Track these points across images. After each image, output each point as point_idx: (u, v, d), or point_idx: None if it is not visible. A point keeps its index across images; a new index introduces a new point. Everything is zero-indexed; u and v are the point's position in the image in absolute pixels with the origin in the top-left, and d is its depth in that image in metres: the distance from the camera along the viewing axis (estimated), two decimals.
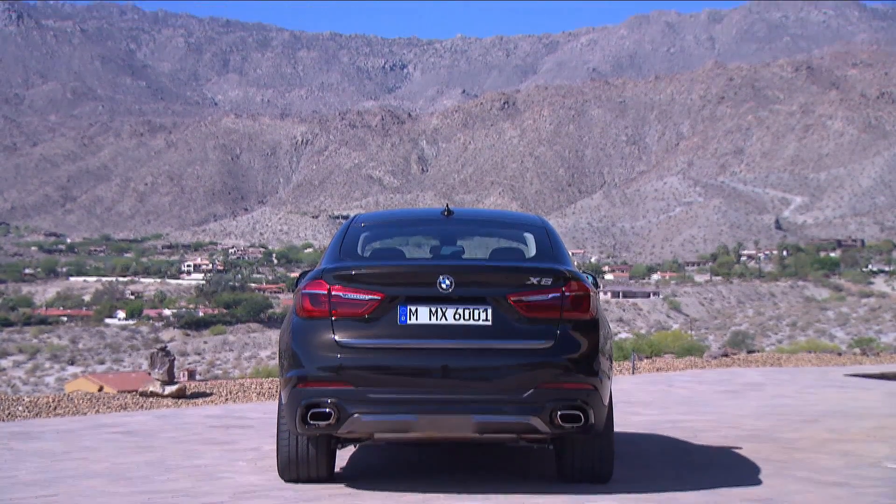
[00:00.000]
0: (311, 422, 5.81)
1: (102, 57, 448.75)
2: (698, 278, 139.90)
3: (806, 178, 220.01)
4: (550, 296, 5.92)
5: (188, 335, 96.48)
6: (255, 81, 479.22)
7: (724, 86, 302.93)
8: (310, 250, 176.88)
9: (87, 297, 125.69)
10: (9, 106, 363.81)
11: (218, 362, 74.65)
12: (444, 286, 5.86)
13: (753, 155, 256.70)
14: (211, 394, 12.94)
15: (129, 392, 12.88)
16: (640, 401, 12.53)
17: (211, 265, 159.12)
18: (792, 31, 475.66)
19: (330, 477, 6.50)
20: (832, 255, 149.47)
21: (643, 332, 71.65)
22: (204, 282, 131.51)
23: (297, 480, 6.42)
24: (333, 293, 5.93)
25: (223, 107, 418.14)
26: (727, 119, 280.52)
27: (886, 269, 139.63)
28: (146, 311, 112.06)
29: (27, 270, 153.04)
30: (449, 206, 7.03)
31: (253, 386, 13.77)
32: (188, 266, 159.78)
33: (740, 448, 8.27)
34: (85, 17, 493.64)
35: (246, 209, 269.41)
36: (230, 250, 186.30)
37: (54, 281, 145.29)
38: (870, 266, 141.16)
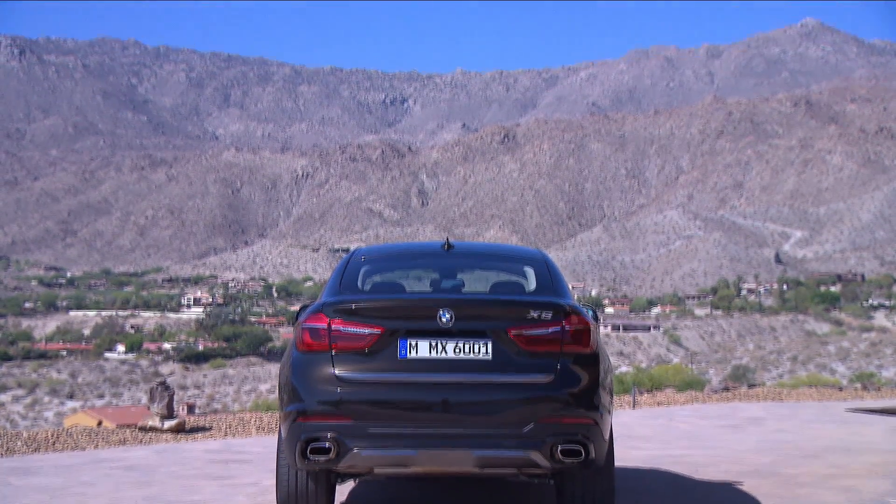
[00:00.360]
0: (311, 456, 5.77)
1: (104, 92, 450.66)
2: (699, 312, 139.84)
3: (805, 213, 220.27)
4: (551, 330, 5.91)
5: (188, 369, 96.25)
6: (255, 115, 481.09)
7: (723, 120, 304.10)
8: (310, 283, 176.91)
9: (86, 331, 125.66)
10: (10, 141, 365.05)
11: (217, 396, 74.40)
12: (444, 320, 5.84)
13: (753, 189, 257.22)
14: (210, 428, 12.89)
15: (128, 426, 12.84)
16: (640, 435, 12.48)
17: (211, 298, 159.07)
18: (790, 66, 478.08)
19: None
20: (832, 289, 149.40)
21: (643, 365, 71.45)
22: (204, 315, 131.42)
23: None
24: (333, 327, 5.91)
25: (224, 141, 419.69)
26: (726, 153, 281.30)
27: (887, 303, 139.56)
28: (146, 345, 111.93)
29: (27, 304, 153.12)
30: (449, 240, 7.03)
31: (252, 420, 13.72)
32: (188, 299, 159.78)
33: (742, 483, 8.23)
34: (87, 53, 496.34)
35: (246, 242, 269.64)
36: (230, 283, 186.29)
37: (54, 315, 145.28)
38: (870, 300, 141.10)
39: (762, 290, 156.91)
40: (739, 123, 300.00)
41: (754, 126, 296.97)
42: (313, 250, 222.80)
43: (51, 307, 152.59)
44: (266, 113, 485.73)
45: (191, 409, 44.16)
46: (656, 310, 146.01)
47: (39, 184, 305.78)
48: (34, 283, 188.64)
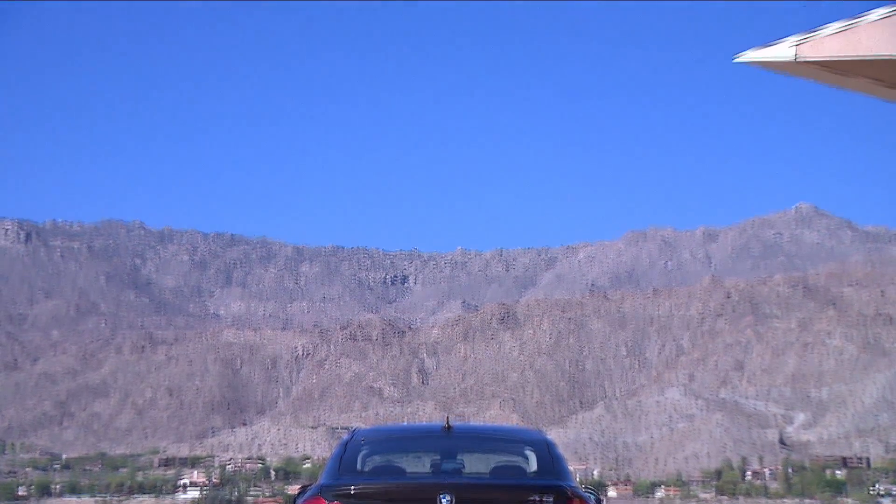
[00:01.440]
0: None
1: (107, 274, 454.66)
2: (703, 495, 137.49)
3: (808, 395, 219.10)
4: None
5: None
6: (257, 295, 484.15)
7: (721, 301, 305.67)
8: (308, 464, 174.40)
9: None
10: (12, 324, 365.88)
11: None
12: None
13: (754, 370, 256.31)
14: None
15: None
16: None
17: (208, 479, 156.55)
18: (787, 249, 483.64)
19: None
20: (838, 474, 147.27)
21: None
22: (200, 498, 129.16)
23: None
24: None
25: (225, 320, 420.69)
26: (726, 334, 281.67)
27: (894, 489, 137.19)
28: None
29: (21, 490, 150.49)
30: (449, 421, 7.02)
31: None
32: (184, 481, 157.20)
33: None
34: (92, 236, 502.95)
35: (245, 422, 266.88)
36: (227, 464, 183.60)
37: (48, 501, 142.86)
38: (877, 486, 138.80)
39: (767, 473, 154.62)
40: (738, 304, 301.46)
41: (753, 307, 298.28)
42: (312, 429, 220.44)
43: (44, 492, 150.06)
44: (267, 292, 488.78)
45: None
46: (660, 492, 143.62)
47: (39, 366, 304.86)
48: (29, 467, 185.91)
